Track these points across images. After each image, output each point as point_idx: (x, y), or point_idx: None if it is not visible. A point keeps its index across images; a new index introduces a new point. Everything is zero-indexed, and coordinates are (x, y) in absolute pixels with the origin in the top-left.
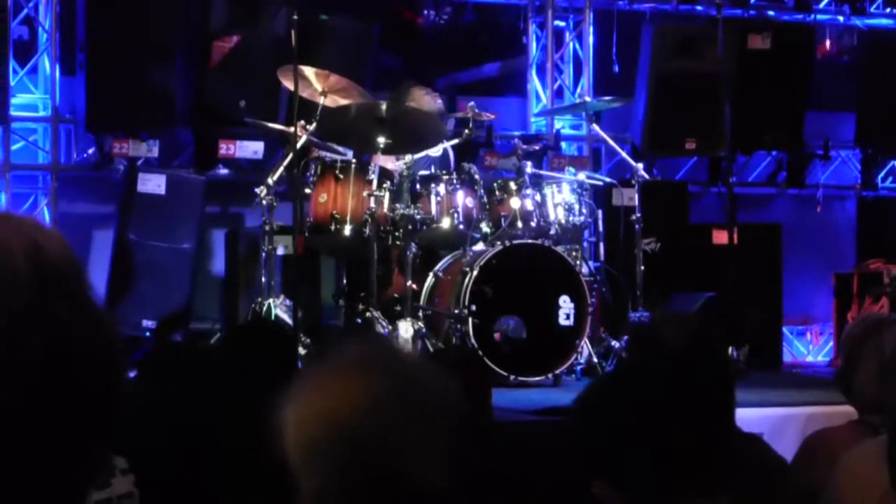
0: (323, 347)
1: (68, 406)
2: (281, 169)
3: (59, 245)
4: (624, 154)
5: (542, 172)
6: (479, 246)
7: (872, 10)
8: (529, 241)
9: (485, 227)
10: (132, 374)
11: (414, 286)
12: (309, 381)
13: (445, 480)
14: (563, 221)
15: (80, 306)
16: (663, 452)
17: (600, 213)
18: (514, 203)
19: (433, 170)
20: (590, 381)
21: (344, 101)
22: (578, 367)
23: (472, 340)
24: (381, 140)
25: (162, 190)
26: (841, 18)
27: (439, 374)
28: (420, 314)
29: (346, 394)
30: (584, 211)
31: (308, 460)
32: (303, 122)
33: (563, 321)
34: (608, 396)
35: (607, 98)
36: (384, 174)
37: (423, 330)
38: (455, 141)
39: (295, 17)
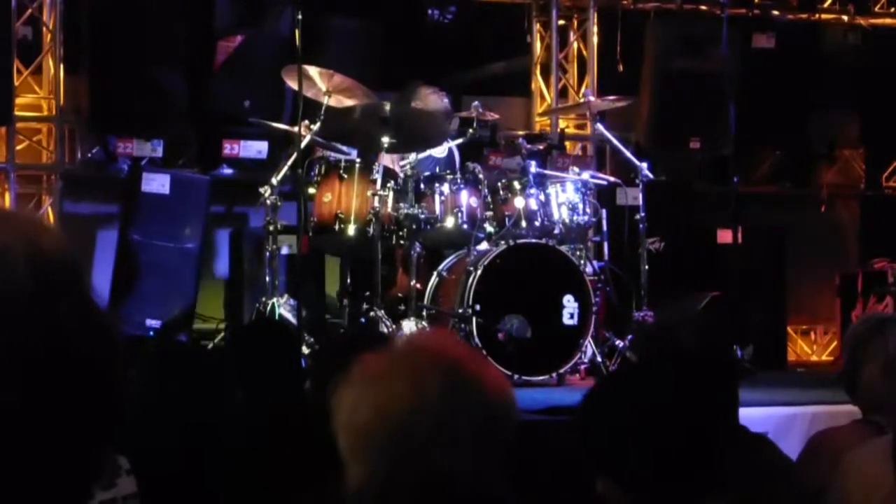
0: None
1: (69, 405)
2: (285, 169)
3: (59, 244)
4: (628, 153)
5: (547, 172)
6: (483, 245)
7: (877, 9)
8: (533, 240)
9: (489, 227)
10: (136, 374)
11: (418, 286)
12: (367, 368)
13: (495, 484)
14: (567, 221)
15: (80, 305)
16: (668, 452)
17: (604, 212)
18: (518, 202)
19: (437, 170)
20: (597, 380)
21: (348, 101)
22: (582, 367)
23: (477, 340)
24: (385, 140)
25: (166, 189)
26: (845, 17)
27: (504, 384)
28: (424, 314)
29: (406, 389)
30: (588, 210)
31: (357, 446)
32: (307, 121)
33: (567, 320)
34: (615, 395)
35: (611, 97)
36: (388, 174)
37: (428, 329)
38: (459, 141)
39: (299, 16)
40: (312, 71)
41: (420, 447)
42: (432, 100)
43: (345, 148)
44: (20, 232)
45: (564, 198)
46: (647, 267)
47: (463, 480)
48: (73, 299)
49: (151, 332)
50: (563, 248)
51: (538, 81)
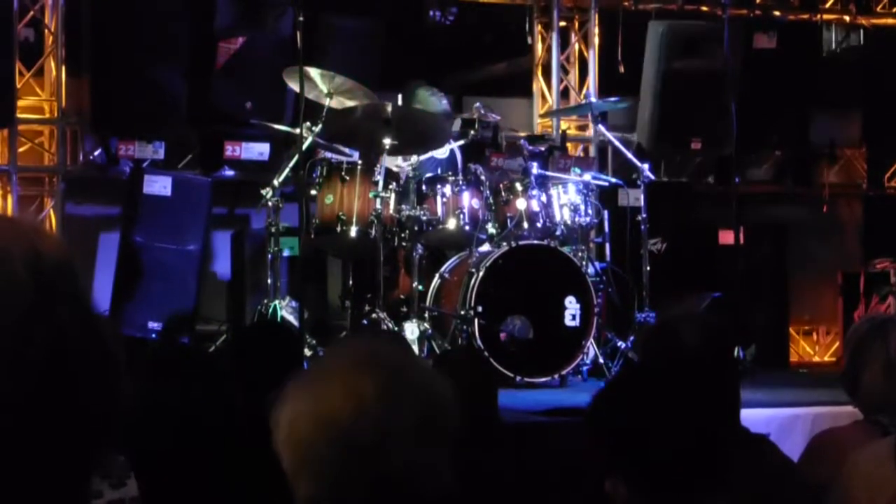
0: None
1: (67, 410)
2: (287, 170)
3: (58, 249)
4: (629, 154)
5: (548, 173)
6: (485, 247)
7: (879, 9)
8: (535, 241)
9: (491, 228)
10: (137, 376)
11: (420, 287)
12: (304, 380)
13: (445, 484)
14: (568, 222)
15: (79, 311)
16: (671, 453)
17: (606, 213)
18: (520, 204)
19: (440, 171)
20: (605, 382)
21: (350, 103)
22: (584, 368)
23: (479, 341)
24: (387, 141)
25: (168, 191)
26: (847, 18)
27: (438, 376)
28: (426, 315)
29: (343, 394)
30: (589, 211)
31: (301, 460)
32: (308, 123)
33: (569, 322)
34: (621, 397)
35: (613, 98)
36: (390, 175)
37: (430, 331)
38: (461, 142)
39: (301, 18)
40: (314, 72)
41: (364, 451)
42: (432, 101)
43: (346, 149)
44: (20, 237)
45: (566, 199)
46: (648, 268)
47: (410, 479)
48: (71, 304)
49: (153, 335)
50: (565, 250)
51: (539, 82)
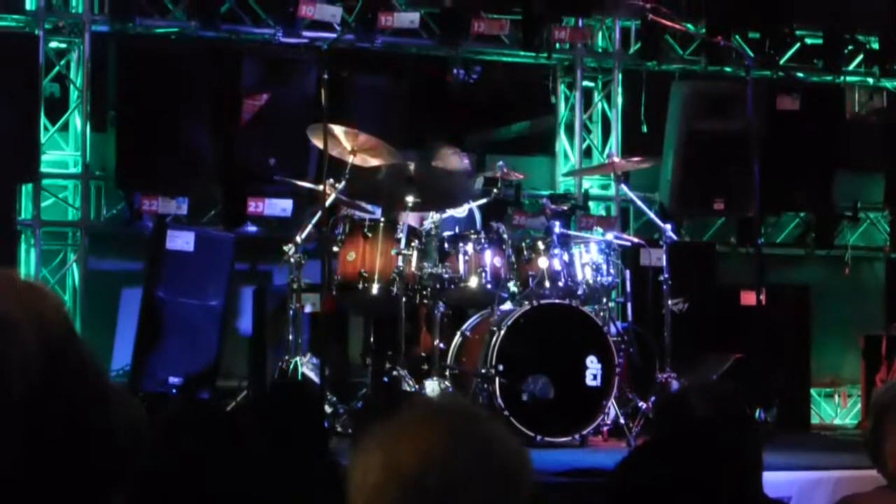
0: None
1: (78, 481)
2: (309, 227)
3: (61, 313)
4: (652, 214)
5: (570, 232)
6: (507, 305)
7: None
8: (557, 300)
9: (512, 287)
10: (155, 432)
11: (441, 345)
12: (380, 430)
13: None
14: (590, 281)
15: (87, 381)
16: None
17: (628, 273)
18: (542, 262)
19: (457, 229)
20: (629, 451)
21: (373, 160)
22: (605, 428)
23: (499, 400)
24: (410, 199)
25: (190, 247)
26: (871, 80)
27: (508, 433)
28: (447, 373)
29: (416, 446)
30: (611, 271)
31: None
32: (332, 180)
33: (590, 381)
34: (641, 466)
35: (636, 158)
36: (412, 233)
37: (450, 389)
38: (482, 201)
39: (325, 75)
40: (338, 130)
41: (431, 498)
42: (453, 160)
43: (369, 206)
44: (28, 306)
45: (588, 258)
46: (670, 327)
47: None
48: (79, 375)
49: (174, 390)
50: (587, 309)
51: (563, 141)
